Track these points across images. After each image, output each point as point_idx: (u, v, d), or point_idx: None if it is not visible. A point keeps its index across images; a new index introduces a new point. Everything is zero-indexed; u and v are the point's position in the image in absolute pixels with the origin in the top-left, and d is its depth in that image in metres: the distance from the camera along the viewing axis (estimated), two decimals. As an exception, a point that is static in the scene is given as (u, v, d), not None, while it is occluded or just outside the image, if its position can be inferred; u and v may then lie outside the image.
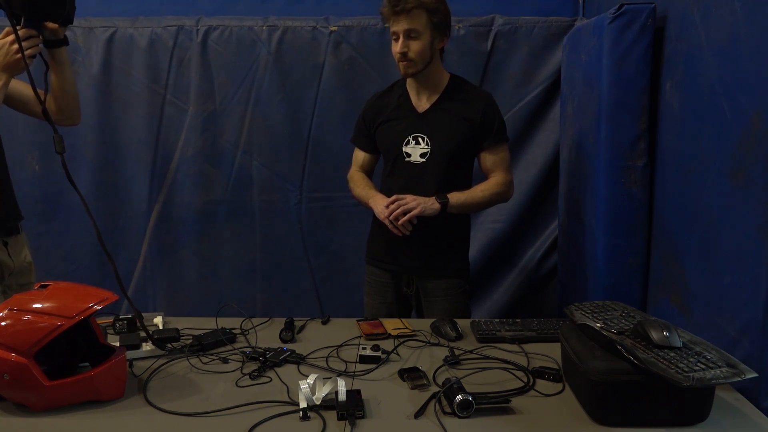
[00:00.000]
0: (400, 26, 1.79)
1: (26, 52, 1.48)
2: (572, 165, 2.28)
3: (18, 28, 1.46)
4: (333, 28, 2.56)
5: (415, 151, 1.92)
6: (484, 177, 1.97)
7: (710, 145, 1.49)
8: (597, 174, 1.95)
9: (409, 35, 1.80)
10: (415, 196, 1.81)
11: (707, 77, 1.51)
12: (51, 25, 1.56)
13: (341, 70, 2.60)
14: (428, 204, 1.81)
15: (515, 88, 2.59)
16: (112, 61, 2.60)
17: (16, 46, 1.47)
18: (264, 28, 2.58)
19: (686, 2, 1.64)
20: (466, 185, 1.95)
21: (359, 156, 2.10)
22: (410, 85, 1.96)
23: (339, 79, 2.60)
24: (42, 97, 1.54)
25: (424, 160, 1.91)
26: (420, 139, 1.92)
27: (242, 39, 2.58)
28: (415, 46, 1.81)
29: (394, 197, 1.83)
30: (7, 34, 1.50)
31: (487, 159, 1.95)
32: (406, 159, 1.93)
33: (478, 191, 1.91)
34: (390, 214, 1.79)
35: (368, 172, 2.10)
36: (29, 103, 1.69)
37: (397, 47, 1.82)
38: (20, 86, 1.66)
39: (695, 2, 1.59)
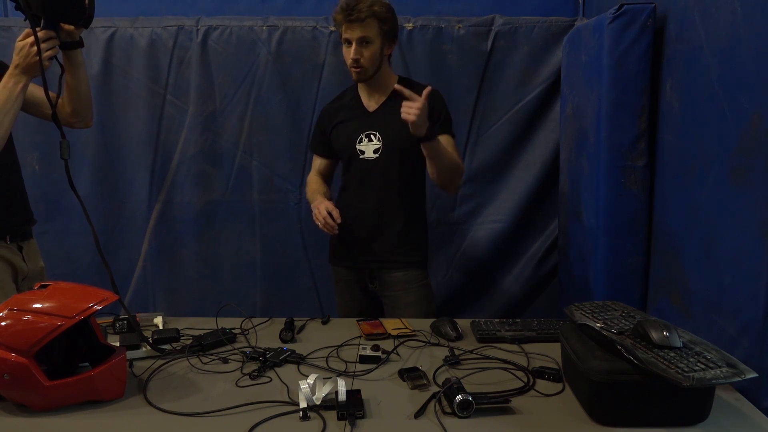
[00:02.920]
0: (353, 34, 1.88)
1: (45, 54, 1.48)
2: (572, 165, 2.28)
3: (37, 29, 1.46)
4: (333, 28, 2.56)
5: (368, 147, 2.00)
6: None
7: (710, 145, 1.50)
8: (597, 174, 1.95)
9: (361, 42, 1.88)
10: (421, 108, 1.76)
11: (707, 77, 1.51)
12: (67, 26, 1.56)
13: (341, 70, 2.59)
14: (421, 123, 1.78)
15: (515, 88, 2.59)
16: (112, 61, 2.60)
17: (36, 48, 1.47)
18: (264, 28, 2.58)
19: (686, 2, 1.64)
20: (421, 180, 2.07)
21: (316, 162, 2.19)
22: (361, 89, 2.05)
23: (339, 79, 2.60)
24: (54, 101, 1.53)
25: (377, 155, 1.99)
26: (372, 136, 2.00)
27: (242, 39, 2.58)
28: (367, 53, 1.90)
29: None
30: (27, 36, 1.50)
31: None
32: (361, 156, 2.01)
33: (447, 151, 1.93)
34: (323, 219, 1.87)
35: (325, 176, 2.19)
36: (41, 105, 1.69)
37: (350, 54, 1.90)
38: (33, 89, 1.66)
39: (695, 2, 1.59)
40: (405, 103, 1.77)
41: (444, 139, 1.97)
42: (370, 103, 2.03)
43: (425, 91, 1.80)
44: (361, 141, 2.01)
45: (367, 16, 1.86)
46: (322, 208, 1.90)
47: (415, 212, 2.08)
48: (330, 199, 2.06)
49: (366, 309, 2.09)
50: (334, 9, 1.92)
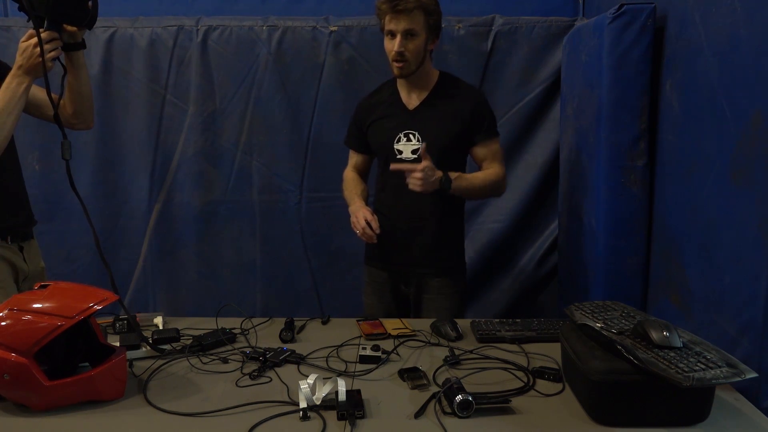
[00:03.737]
0: (399, 25, 1.79)
1: (48, 55, 1.48)
2: (572, 165, 2.28)
3: (40, 30, 1.46)
4: (333, 28, 2.56)
5: (407, 147, 1.93)
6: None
7: (710, 145, 1.49)
8: (597, 174, 1.95)
9: (406, 35, 1.80)
10: (423, 172, 1.75)
11: (707, 77, 1.51)
12: (70, 28, 1.56)
13: (341, 70, 2.60)
14: (429, 186, 1.78)
15: (515, 88, 2.59)
16: (112, 61, 2.60)
17: (39, 49, 1.47)
18: (264, 28, 2.58)
19: (686, 2, 1.64)
20: None
21: (353, 157, 2.13)
22: (401, 84, 1.96)
23: (339, 79, 2.60)
24: (56, 102, 1.54)
25: (415, 156, 1.91)
26: (411, 135, 1.92)
27: (242, 39, 2.58)
28: (411, 46, 1.81)
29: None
30: (30, 37, 1.50)
31: (480, 152, 1.95)
32: (398, 156, 1.94)
33: (479, 179, 1.92)
34: (362, 229, 1.83)
35: (362, 172, 2.13)
36: (43, 107, 1.69)
37: (394, 46, 1.81)
38: (35, 90, 1.65)
39: (695, 2, 1.59)
40: (411, 175, 1.75)
41: (483, 151, 1.92)
42: (410, 100, 1.94)
43: (422, 149, 1.77)
44: (399, 140, 1.93)
45: (415, 7, 1.77)
46: (360, 216, 1.85)
47: (452, 217, 2.00)
48: (367, 198, 2.03)
49: (393, 312, 2.02)
50: None
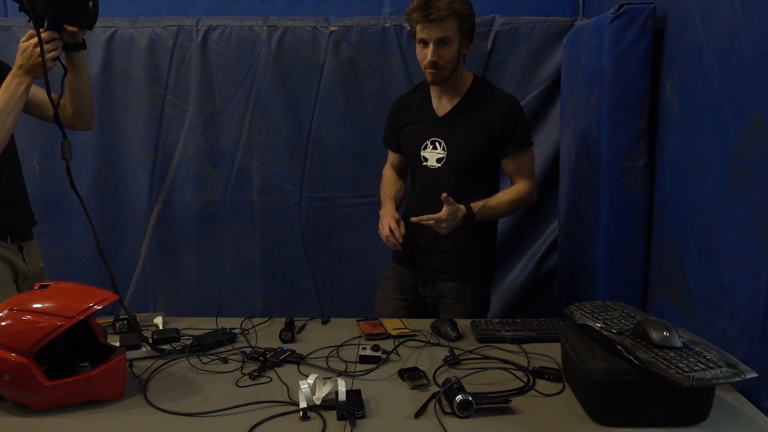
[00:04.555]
0: (431, 34, 1.73)
1: (48, 55, 1.48)
2: (572, 165, 2.28)
3: (41, 31, 1.46)
4: (333, 28, 2.56)
5: (432, 155, 1.90)
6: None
7: (710, 145, 1.49)
8: (597, 174, 1.95)
9: (440, 43, 1.74)
10: (447, 221, 1.75)
11: (707, 77, 1.51)
12: (70, 28, 1.56)
13: (341, 70, 2.60)
14: (453, 225, 1.78)
15: (515, 88, 2.58)
16: (112, 61, 2.60)
17: (39, 49, 1.47)
18: (264, 28, 2.58)
19: (686, 2, 1.64)
20: (487, 189, 1.92)
21: (391, 155, 2.12)
22: (433, 88, 1.92)
23: (339, 79, 2.60)
24: (56, 102, 1.54)
25: (439, 165, 1.89)
26: (437, 143, 1.89)
27: (242, 39, 2.58)
28: (446, 54, 1.76)
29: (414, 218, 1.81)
30: (30, 37, 1.50)
31: (510, 165, 1.92)
32: (423, 163, 1.92)
33: (505, 203, 1.89)
34: (385, 238, 1.84)
35: (400, 170, 2.12)
36: (43, 107, 1.69)
37: (427, 55, 1.75)
38: (35, 90, 1.65)
39: (695, 2, 1.59)
40: (435, 225, 1.74)
41: (513, 164, 1.89)
42: (440, 105, 1.91)
43: (443, 197, 1.73)
44: (425, 147, 1.91)
45: (448, 14, 1.70)
46: (385, 223, 1.84)
47: (481, 227, 1.91)
48: (402, 198, 2.03)
49: (404, 311, 2.02)
50: (409, 5, 1.76)
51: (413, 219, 1.80)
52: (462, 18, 1.76)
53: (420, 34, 1.76)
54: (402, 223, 1.87)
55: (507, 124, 1.86)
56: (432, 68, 1.78)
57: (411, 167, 2.00)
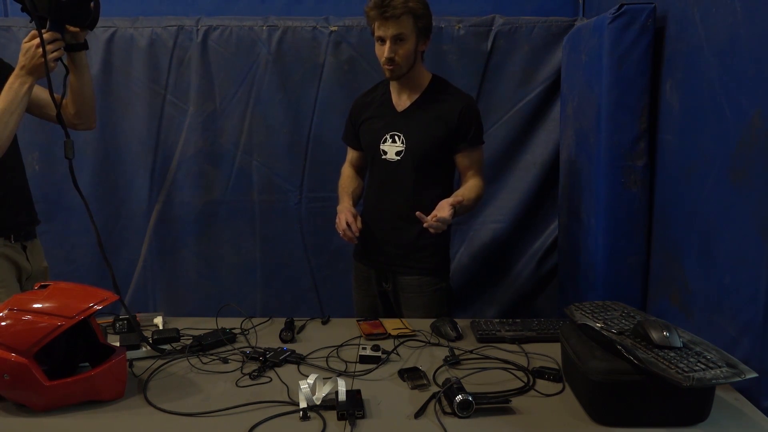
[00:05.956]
0: (388, 31, 1.81)
1: (50, 56, 1.48)
2: (572, 165, 2.28)
3: (43, 31, 1.47)
4: (333, 28, 2.56)
5: (391, 149, 1.95)
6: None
7: (710, 145, 1.50)
8: (597, 174, 1.95)
9: (396, 40, 1.82)
10: (448, 214, 1.77)
11: (707, 77, 1.51)
12: (72, 28, 1.56)
13: (341, 70, 2.60)
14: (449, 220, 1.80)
15: (515, 88, 2.59)
16: (112, 61, 2.60)
17: (41, 49, 1.47)
18: (264, 28, 2.58)
19: (686, 2, 1.64)
20: (443, 183, 1.99)
21: (349, 153, 2.17)
22: (393, 85, 1.99)
23: (339, 79, 2.60)
24: (58, 102, 1.54)
25: (398, 158, 1.94)
26: (396, 137, 1.95)
27: (242, 39, 2.58)
28: (401, 50, 1.84)
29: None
30: (33, 38, 1.50)
31: (464, 160, 1.97)
32: (383, 157, 1.97)
33: (473, 200, 1.93)
34: (342, 232, 1.87)
35: (358, 167, 2.16)
36: (45, 107, 1.70)
37: (384, 52, 1.84)
38: (38, 90, 1.66)
39: (695, 2, 1.59)
40: (435, 221, 1.75)
41: (463, 159, 1.94)
42: (400, 101, 1.97)
43: (456, 200, 1.79)
44: (385, 141, 1.96)
45: (403, 12, 1.79)
46: (342, 218, 1.88)
47: None
48: (360, 196, 2.06)
49: (377, 307, 2.08)
50: (367, 3, 1.84)
51: (417, 214, 1.80)
52: (417, 16, 1.83)
53: (378, 31, 1.84)
54: (359, 218, 1.91)
55: (463, 120, 1.91)
56: (389, 65, 1.86)
57: (370, 161, 2.04)
